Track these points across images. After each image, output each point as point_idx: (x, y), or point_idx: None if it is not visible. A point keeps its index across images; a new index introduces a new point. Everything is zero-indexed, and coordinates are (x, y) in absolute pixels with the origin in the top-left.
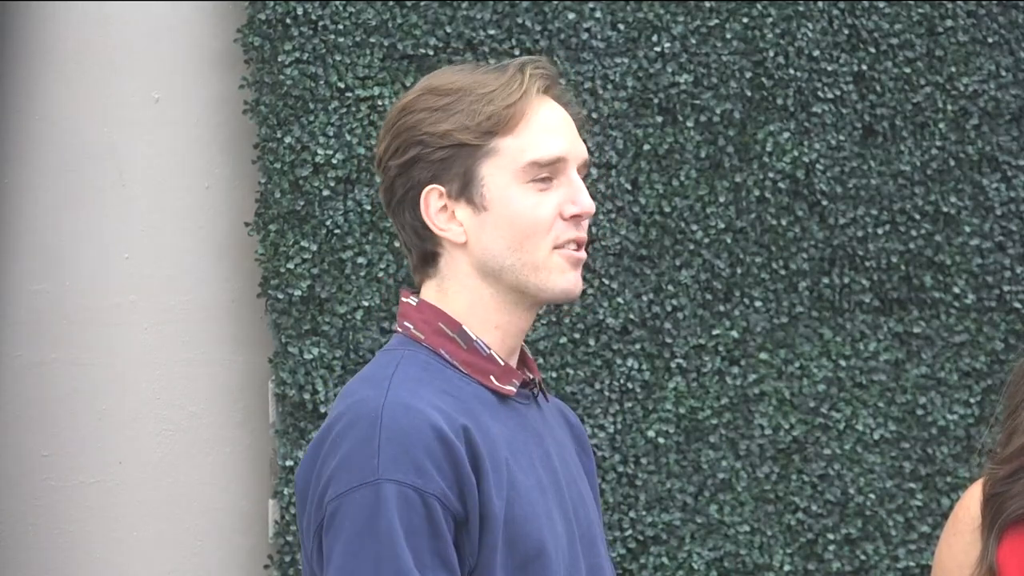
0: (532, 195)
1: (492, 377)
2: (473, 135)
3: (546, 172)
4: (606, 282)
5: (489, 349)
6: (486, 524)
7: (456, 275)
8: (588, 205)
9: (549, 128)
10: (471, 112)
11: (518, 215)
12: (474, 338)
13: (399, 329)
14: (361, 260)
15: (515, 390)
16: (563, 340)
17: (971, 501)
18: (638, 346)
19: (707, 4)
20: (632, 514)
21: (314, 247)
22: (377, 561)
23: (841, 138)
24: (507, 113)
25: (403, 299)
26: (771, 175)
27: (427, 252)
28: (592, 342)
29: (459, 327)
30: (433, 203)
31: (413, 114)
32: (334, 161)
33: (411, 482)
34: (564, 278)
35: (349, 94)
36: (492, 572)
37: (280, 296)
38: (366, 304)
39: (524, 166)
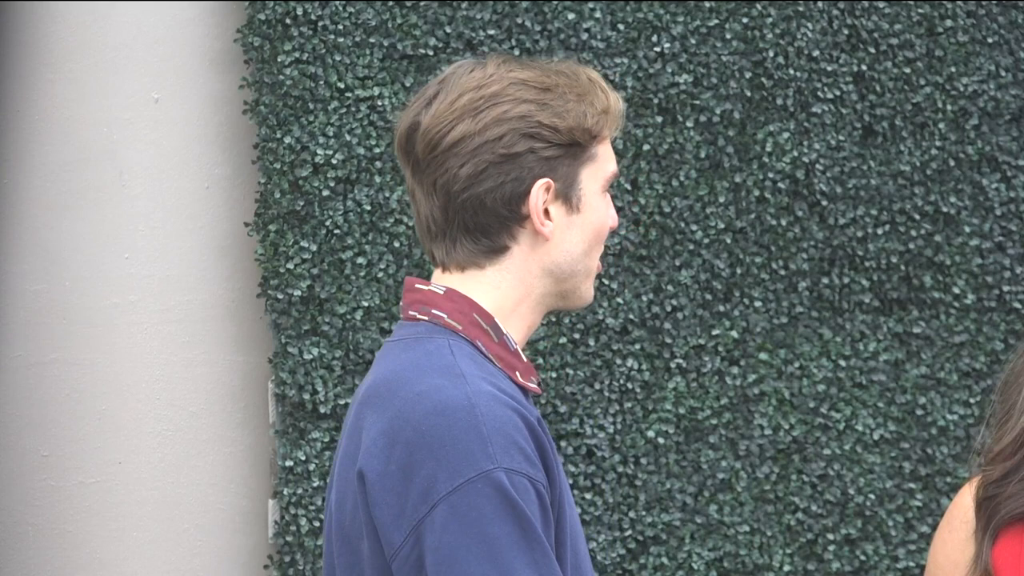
0: (608, 205)
1: (517, 373)
2: (585, 136)
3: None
4: (606, 282)
5: (515, 345)
6: (560, 518)
7: (517, 271)
8: (617, 218)
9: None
10: (581, 113)
11: (601, 223)
12: (504, 332)
13: (423, 316)
14: (361, 260)
15: (538, 388)
16: (563, 340)
17: (965, 499)
18: (638, 346)
19: (707, 4)
20: (632, 514)
21: (314, 247)
22: (519, 547)
23: (841, 138)
24: (604, 119)
25: (421, 286)
26: (771, 175)
27: (497, 245)
28: (592, 342)
29: (492, 319)
30: (541, 196)
31: (515, 103)
32: (334, 161)
33: (524, 471)
34: (592, 289)
35: (349, 94)
36: (563, 564)
37: (280, 296)
38: (366, 304)
39: (610, 176)
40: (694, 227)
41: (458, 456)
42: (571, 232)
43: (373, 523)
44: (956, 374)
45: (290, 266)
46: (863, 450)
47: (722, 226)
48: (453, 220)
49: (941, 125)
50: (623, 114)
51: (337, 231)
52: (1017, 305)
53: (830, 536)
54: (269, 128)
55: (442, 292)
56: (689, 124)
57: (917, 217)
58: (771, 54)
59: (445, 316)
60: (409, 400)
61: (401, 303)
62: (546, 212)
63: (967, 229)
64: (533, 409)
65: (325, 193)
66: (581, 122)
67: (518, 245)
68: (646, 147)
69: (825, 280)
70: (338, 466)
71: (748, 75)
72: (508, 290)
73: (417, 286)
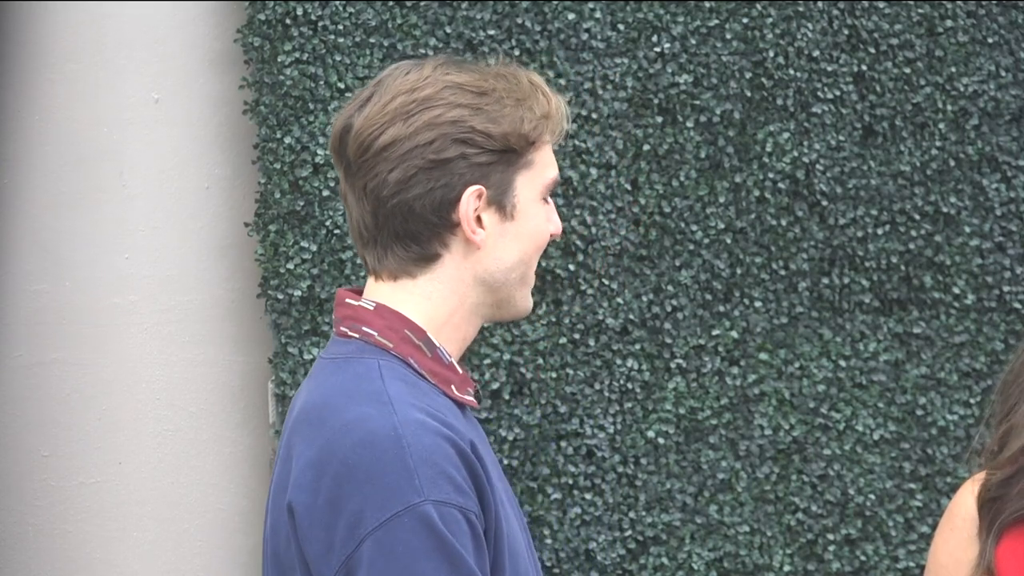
0: (544, 212)
1: (453, 387)
2: (521, 142)
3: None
4: (606, 282)
5: (450, 358)
6: (498, 541)
7: (450, 280)
8: (560, 225)
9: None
10: (518, 118)
11: (538, 231)
12: (437, 345)
13: (353, 334)
14: (361, 260)
15: (475, 401)
16: (563, 340)
17: (966, 498)
18: (638, 346)
19: (707, 4)
20: (632, 514)
21: (314, 247)
22: None
23: (841, 138)
24: (543, 125)
25: (351, 301)
26: (771, 175)
27: (428, 253)
28: (592, 342)
29: (424, 334)
30: (472, 204)
31: (448, 107)
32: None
33: (454, 501)
34: (531, 299)
35: (349, 94)
36: None
37: (280, 296)
38: None
39: (549, 183)
40: (694, 227)
41: (384, 490)
42: (505, 240)
43: (304, 557)
44: (956, 374)
45: (290, 266)
46: (863, 450)
47: (722, 226)
48: (383, 226)
49: (941, 125)
50: (567, 118)
51: (337, 231)
52: (1017, 305)
53: (830, 536)
54: (269, 128)
55: (372, 308)
56: (689, 124)
57: (917, 217)
58: (771, 54)
59: (376, 334)
60: (337, 430)
61: (333, 317)
62: (479, 220)
63: (967, 229)
64: (467, 431)
65: (325, 193)
66: (517, 128)
67: (450, 253)
68: (646, 147)
69: (825, 280)
70: (272, 492)
71: (748, 75)
72: (440, 300)
73: (348, 301)
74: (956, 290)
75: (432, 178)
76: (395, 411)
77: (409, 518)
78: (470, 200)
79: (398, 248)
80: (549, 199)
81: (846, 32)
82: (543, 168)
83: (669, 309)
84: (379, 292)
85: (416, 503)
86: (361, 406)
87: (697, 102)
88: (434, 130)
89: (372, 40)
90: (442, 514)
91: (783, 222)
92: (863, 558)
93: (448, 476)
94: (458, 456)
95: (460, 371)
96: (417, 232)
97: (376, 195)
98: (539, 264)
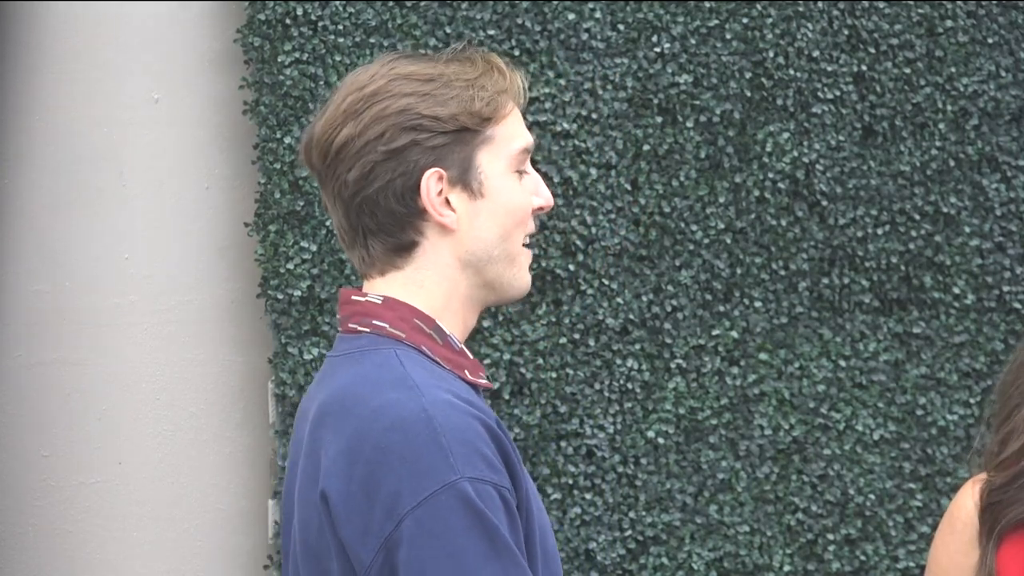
0: (519, 184)
1: (466, 371)
2: (474, 120)
3: (526, 162)
4: (606, 282)
5: (460, 344)
6: (528, 517)
7: (435, 265)
8: (551, 197)
9: (520, 119)
10: (468, 98)
11: (512, 203)
12: (447, 332)
13: (364, 328)
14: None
15: (489, 382)
16: (563, 340)
17: (966, 501)
18: (638, 346)
19: (707, 4)
20: (632, 514)
21: (314, 247)
22: (487, 558)
23: (841, 138)
24: (499, 100)
25: (357, 298)
26: (771, 175)
27: (404, 242)
28: (592, 342)
29: (433, 323)
30: (433, 187)
31: (395, 99)
32: None
33: (488, 478)
34: (527, 276)
35: None
36: (535, 565)
37: (280, 296)
38: None
39: (517, 154)
40: (694, 227)
41: (420, 470)
42: (480, 218)
43: (341, 543)
44: (956, 374)
45: (290, 266)
46: (863, 450)
47: (722, 226)
48: (357, 225)
49: (941, 125)
50: (524, 91)
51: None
52: (1017, 305)
53: (830, 536)
54: (269, 128)
55: (380, 301)
56: (689, 124)
57: (917, 217)
58: (771, 54)
59: (387, 326)
60: (366, 417)
61: (338, 316)
62: (448, 202)
63: (967, 229)
64: (489, 410)
65: None
66: (467, 107)
67: (427, 239)
68: (646, 147)
69: (825, 280)
70: (297, 487)
71: (748, 75)
72: (433, 287)
73: (353, 298)
74: (956, 290)
75: (389, 169)
76: (422, 394)
77: (447, 496)
78: (430, 183)
79: (376, 243)
80: (530, 171)
81: (846, 32)
82: (506, 141)
83: (669, 309)
84: (375, 288)
85: (453, 481)
86: (388, 392)
87: (697, 102)
88: (383, 123)
89: (372, 40)
90: (478, 491)
91: (783, 222)
92: (863, 558)
93: (481, 454)
94: (487, 434)
95: (470, 356)
96: (388, 224)
97: (342, 196)
98: (539, 264)
